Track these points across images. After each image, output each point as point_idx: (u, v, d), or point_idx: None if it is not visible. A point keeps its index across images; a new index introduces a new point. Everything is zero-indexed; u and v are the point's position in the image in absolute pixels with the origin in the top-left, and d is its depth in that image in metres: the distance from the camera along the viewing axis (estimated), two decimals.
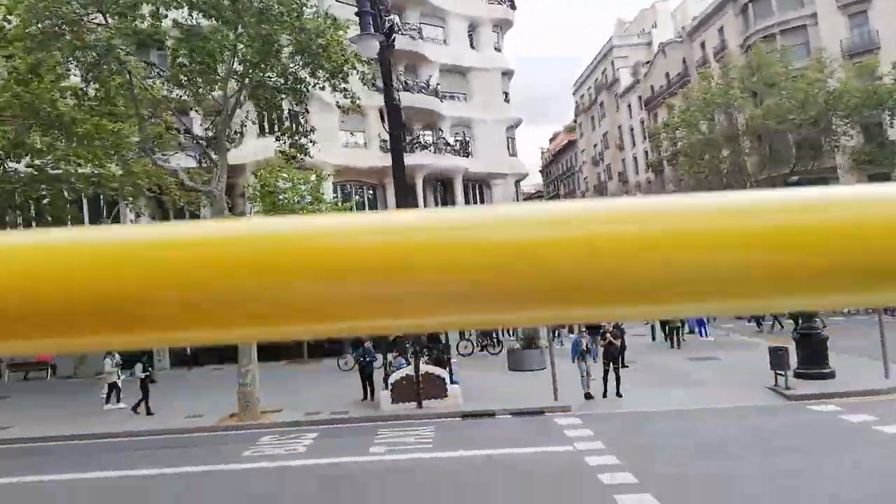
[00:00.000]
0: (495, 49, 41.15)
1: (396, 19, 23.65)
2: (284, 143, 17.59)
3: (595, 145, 76.00)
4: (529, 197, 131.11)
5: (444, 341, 15.62)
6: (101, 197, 23.62)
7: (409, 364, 14.09)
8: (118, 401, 16.49)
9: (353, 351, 15.11)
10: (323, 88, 16.66)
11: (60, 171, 19.55)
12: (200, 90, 15.62)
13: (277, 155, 18.61)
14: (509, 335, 25.17)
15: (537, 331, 22.67)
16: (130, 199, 22.79)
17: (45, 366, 22.06)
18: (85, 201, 24.53)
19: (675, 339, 21.46)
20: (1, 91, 15.65)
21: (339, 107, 18.86)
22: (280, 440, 12.45)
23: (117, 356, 17.00)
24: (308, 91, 16.31)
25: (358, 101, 17.77)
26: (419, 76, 37.01)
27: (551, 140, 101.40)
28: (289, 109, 19.16)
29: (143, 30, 14.14)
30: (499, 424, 12.97)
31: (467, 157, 37.43)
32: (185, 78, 15.32)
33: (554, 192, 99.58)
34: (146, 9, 13.97)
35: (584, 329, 15.31)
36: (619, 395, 14.42)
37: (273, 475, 10.31)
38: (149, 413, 15.28)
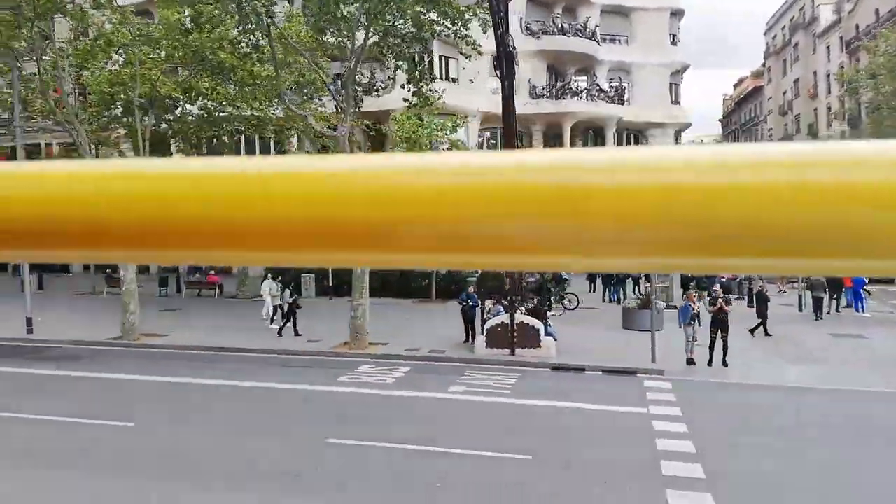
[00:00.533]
0: None
1: None
2: (411, 90, 18.04)
3: (784, 93, 68.31)
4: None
5: (547, 292, 15.58)
6: (264, 138, 26.05)
7: (506, 312, 14.37)
8: (273, 321, 18.37)
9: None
10: (448, 36, 16.79)
11: (226, 114, 21.82)
12: (332, 38, 16.51)
13: (405, 102, 19.09)
14: (635, 293, 24.34)
15: (665, 290, 21.73)
16: (287, 139, 24.92)
17: (213, 286, 25.25)
18: (249, 141, 27.23)
19: (821, 310, 19.45)
20: (171, 41, 17.78)
21: (463, 55, 18.76)
22: (376, 370, 13.48)
23: (274, 284, 19.09)
24: (432, 38, 16.50)
25: (479, 48, 17.64)
26: (577, 18, 35.60)
27: (735, 86, 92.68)
28: (421, 57, 19.37)
29: None
30: (583, 379, 12.92)
31: (622, 104, 35.69)
32: (321, 26, 16.28)
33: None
34: None
35: (693, 294, 14.43)
36: (724, 364, 13.60)
37: (356, 399, 11.33)
38: (296, 334, 16.88)
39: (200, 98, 20.88)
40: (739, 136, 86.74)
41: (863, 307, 20.34)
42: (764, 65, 76.26)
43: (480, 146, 32.99)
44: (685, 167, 0.33)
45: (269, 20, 15.53)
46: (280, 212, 0.37)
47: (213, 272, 25.58)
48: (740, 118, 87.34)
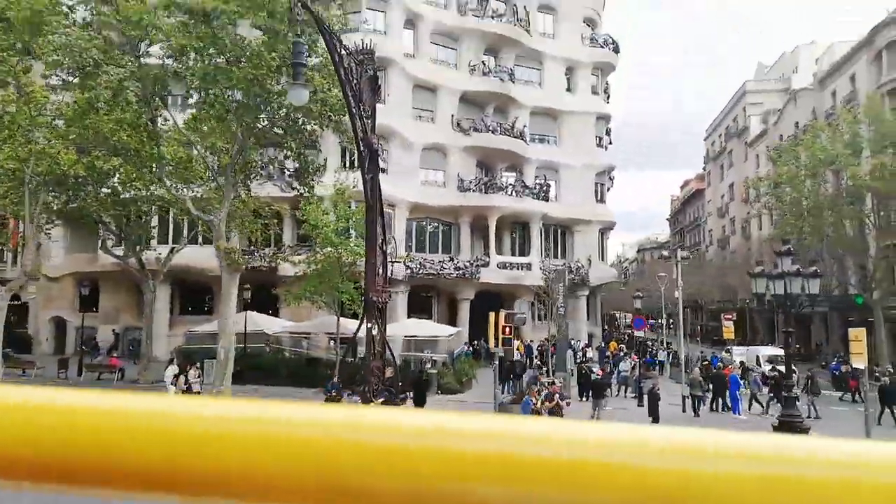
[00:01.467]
0: (592, 92, 40.56)
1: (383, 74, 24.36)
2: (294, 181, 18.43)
3: (722, 196, 71.56)
4: (642, 249, 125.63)
5: (425, 384, 15.54)
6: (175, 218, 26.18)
7: (361, 401, 14.30)
8: None
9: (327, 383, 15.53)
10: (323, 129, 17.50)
11: (130, 195, 22.00)
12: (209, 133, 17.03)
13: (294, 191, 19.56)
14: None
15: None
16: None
17: (114, 369, 24.60)
18: (163, 220, 27.34)
19: (698, 409, 19.81)
20: (71, 122, 18.15)
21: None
22: None
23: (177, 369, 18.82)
24: (304, 135, 17.15)
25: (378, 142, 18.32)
26: (507, 117, 37.34)
27: (682, 188, 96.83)
28: (300, 152, 19.93)
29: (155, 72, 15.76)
30: None
31: (546, 200, 36.96)
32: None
33: (679, 243, 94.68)
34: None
35: (535, 389, 14.62)
36: None
37: None
38: None
39: (107, 178, 21.12)
40: (685, 235, 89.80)
41: (738, 409, 20.74)
42: (704, 168, 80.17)
43: (408, 233, 33.60)
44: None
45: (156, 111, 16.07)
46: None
47: (115, 355, 25.06)
48: (686, 218, 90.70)
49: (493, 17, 36.24)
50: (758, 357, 33.80)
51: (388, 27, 32.27)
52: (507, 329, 14.28)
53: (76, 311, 30.78)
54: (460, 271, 33.49)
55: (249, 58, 14.76)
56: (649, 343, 46.10)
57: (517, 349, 27.35)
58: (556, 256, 38.87)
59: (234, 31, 14.19)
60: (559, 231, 39.34)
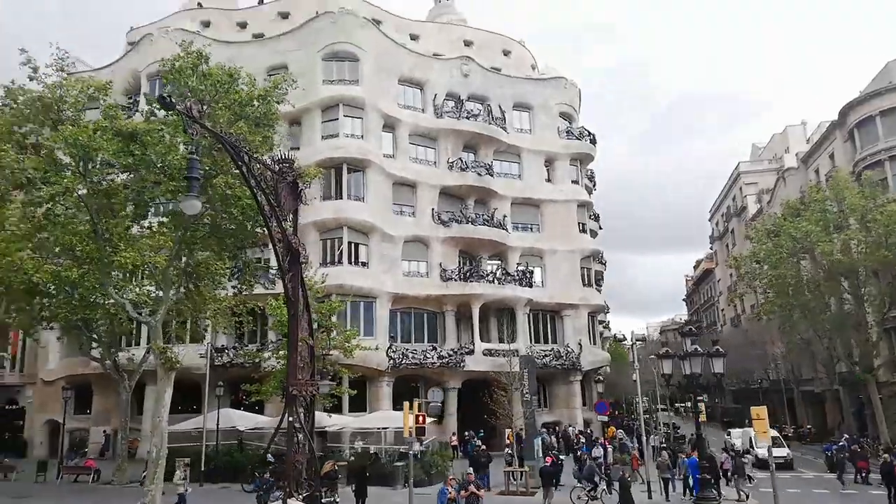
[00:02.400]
0: (572, 181, 41.91)
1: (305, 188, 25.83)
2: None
3: (731, 274, 71.21)
4: (664, 330, 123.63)
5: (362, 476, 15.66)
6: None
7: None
8: None
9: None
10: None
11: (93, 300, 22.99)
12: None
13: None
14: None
15: None
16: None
17: (90, 471, 25.05)
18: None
19: (667, 492, 19.37)
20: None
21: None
22: None
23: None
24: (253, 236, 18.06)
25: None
26: (488, 208, 38.68)
27: (694, 268, 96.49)
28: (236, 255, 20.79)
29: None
30: None
31: (530, 286, 37.57)
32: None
33: (697, 323, 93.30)
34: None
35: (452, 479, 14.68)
36: None
37: None
38: None
39: (73, 285, 22.14)
40: (701, 314, 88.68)
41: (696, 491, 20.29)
42: (711, 248, 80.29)
43: (392, 324, 34.22)
44: None
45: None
46: None
47: (91, 457, 25.54)
48: (700, 298, 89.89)
49: (468, 118, 38.32)
50: (751, 439, 32.85)
51: (366, 132, 34.36)
52: (422, 418, 14.57)
53: (70, 414, 31.62)
54: (444, 360, 33.80)
55: (178, 172, 16.10)
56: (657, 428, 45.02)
57: (507, 438, 27.15)
58: (545, 342, 39.03)
59: (164, 149, 15.53)
60: (547, 316, 39.66)
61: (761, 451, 31.72)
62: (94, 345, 25.63)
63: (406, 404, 16.01)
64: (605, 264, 51.48)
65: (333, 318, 26.96)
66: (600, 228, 51.22)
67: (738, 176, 66.74)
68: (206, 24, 40.60)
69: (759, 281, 35.24)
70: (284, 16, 39.82)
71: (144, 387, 31.21)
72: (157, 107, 14.87)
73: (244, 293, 19.78)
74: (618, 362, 76.33)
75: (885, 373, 36.05)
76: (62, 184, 16.37)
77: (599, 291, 53.60)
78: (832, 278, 31.58)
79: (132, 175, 16.38)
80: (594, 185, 49.16)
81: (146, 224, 17.15)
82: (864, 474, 25.79)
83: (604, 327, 55.04)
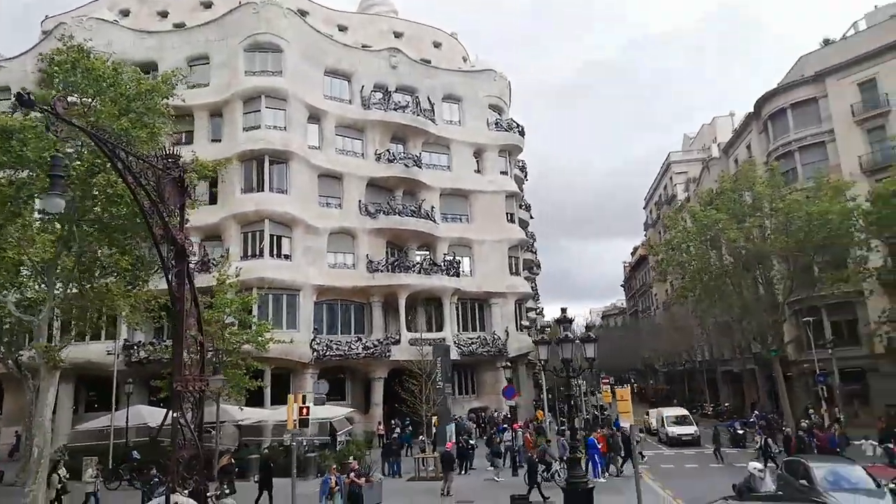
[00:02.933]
0: (501, 172, 42.59)
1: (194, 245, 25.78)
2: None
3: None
4: (606, 315, 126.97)
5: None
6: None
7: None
8: None
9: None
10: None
11: None
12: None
13: None
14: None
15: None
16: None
17: None
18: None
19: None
20: None
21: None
22: None
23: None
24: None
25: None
26: (417, 199, 39.02)
27: (632, 254, 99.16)
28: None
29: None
30: None
31: (457, 276, 38.15)
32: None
33: (633, 308, 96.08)
34: None
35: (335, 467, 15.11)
36: None
37: None
38: None
39: None
40: (637, 299, 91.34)
41: (599, 471, 21.24)
42: (646, 235, 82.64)
43: (318, 316, 34.31)
44: None
45: None
46: None
47: None
48: (636, 283, 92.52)
49: (396, 109, 38.49)
50: (662, 418, 34.38)
51: (289, 123, 34.17)
52: (305, 410, 14.90)
53: None
54: (369, 351, 34.14)
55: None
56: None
57: (434, 424, 27.66)
58: (473, 329, 39.76)
59: (45, 145, 15.21)
60: (476, 305, 40.36)
61: (671, 430, 33.38)
62: None
63: (290, 396, 16.28)
64: (535, 252, 52.56)
65: (252, 313, 26.97)
66: (531, 217, 52.23)
67: (669, 165, 68.79)
68: (126, 13, 39.59)
69: (670, 267, 36.71)
70: (207, 5, 39.15)
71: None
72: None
73: (137, 289, 19.46)
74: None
75: (794, 351, 38.04)
76: None
77: (532, 280, 54.82)
78: (740, 264, 33.11)
79: (6, 172, 16.03)
80: (525, 176, 50.08)
81: (28, 221, 16.77)
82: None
83: (536, 314, 56.22)
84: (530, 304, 48.26)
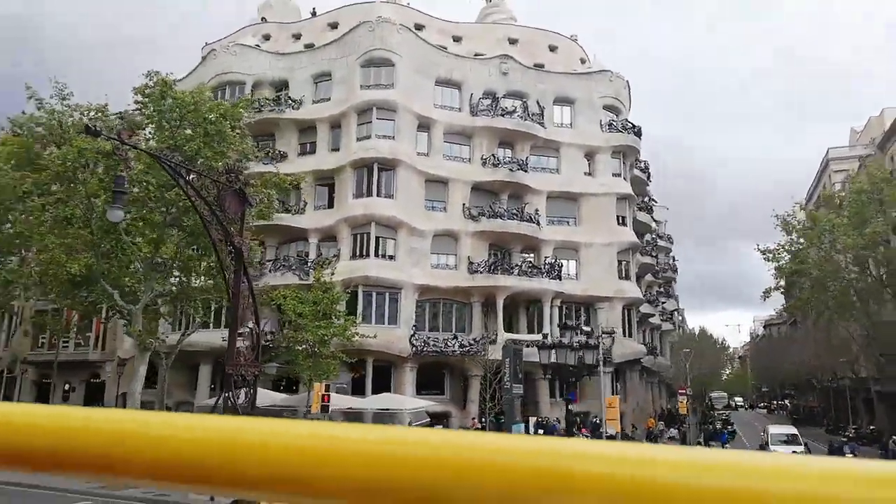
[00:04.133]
0: (613, 174, 41.96)
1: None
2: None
3: None
4: (769, 325, 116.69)
5: None
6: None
7: None
8: None
9: None
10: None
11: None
12: None
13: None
14: None
15: None
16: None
17: None
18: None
19: None
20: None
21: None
22: None
23: None
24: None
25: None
26: (522, 202, 39.81)
27: None
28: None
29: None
30: None
31: (559, 279, 38.34)
32: None
33: (792, 318, 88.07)
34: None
35: None
36: None
37: None
38: None
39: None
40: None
41: None
42: None
43: (419, 314, 36.46)
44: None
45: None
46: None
47: None
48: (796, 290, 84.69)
49: (503, 115, 39.54)
50: (768, 435, 32.09)
51: (398, 132, 36.64)
52: (326, 397, 16.57)
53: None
54: (465, 349, 35.60)
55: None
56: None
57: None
58: (578, 334, 39.63)
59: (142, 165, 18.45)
60: (581, 308, 40.22)
61: (773, 448, 31.15)
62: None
63: (316, 385, 18.22)
64: (656, 257, 50.75)
65: (341, 308, 29.60)
66: (655, 221, 50.53)
67: (828, 163, 62.58)
68: (267, 38, 44.52)
69: (787, 275, 33.90)
70: (333, 26, 42.83)
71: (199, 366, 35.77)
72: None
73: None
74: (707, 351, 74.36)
75: None
76: (72, 192, 19.72)
77: (657, 284, 53.03)
78: (868, 275, 29.99)
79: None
80: (648, 177, 48.66)
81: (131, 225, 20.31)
82: None
83: (662, 320, 54.19)
84: (646, 308, 46.79)
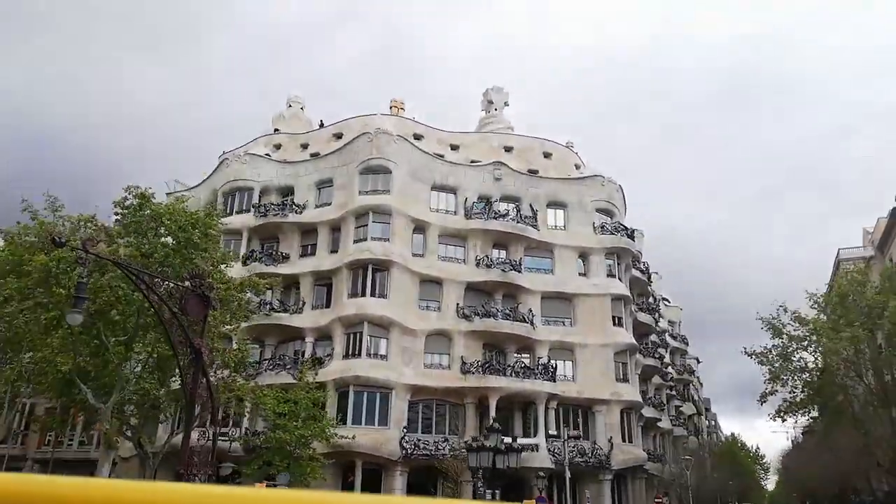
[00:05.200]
0: (608, 275, 42.37)
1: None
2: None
3: None
4: (807, 431, 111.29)
5: None
6: None
7: None
8: None
9: None
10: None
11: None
12: None
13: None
14: None
15: None
16: None
17: None
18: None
19: None
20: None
21: None
22: None
23: None
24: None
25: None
26: (517, 303, 40.26)
27: None
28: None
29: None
30: None
31: (553, 381, 38.01)
32: None
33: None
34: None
35: None
36: None
37: None
38: None
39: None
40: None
41: None
42: None
43: (411, 415, 36.18)
44: None
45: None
46: None
47: None
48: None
49: (496, 218, 40.85)
50: None
51: (392, 235, 38.01)
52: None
53: None
54: (455, 452, 34.97)
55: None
56: None
57: None
58: (576, 438, 38.74)
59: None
60: (578, 411, 39.53)
61: None
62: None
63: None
64: (661, 358, 49.98)
65: (327, 408, 29.76)
66: (658, 319, 50.24)
67: (839, 263, 62.05)
68: (278, 147, 47.39)
69: (778, 375, 33.07)
70: (338, 136, 45.54)
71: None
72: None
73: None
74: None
75: None
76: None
77: (667, 386, 51.95)
78: (862, 383, 29.25)
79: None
80: (649, 278, 48.94)
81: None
82: None
83: (674, 424, 52.52)
84: (651, 413, 45.60)
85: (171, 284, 17.90)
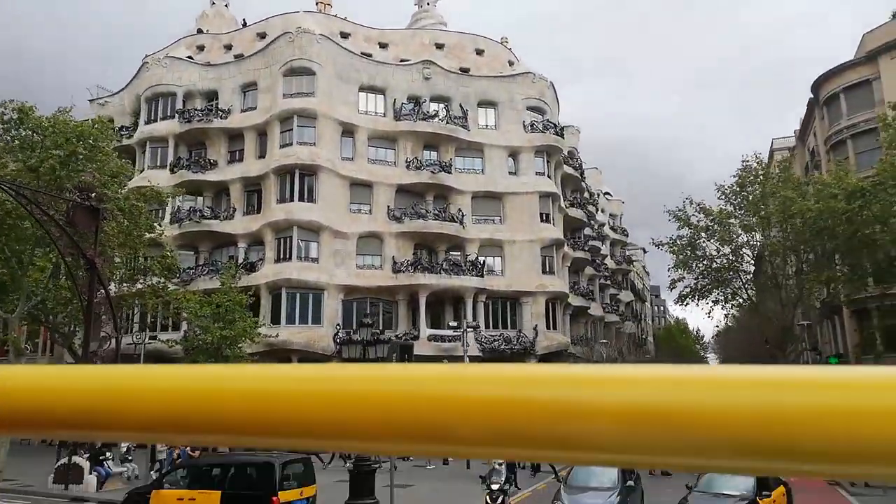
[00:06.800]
0: (537, 173, 43.23)
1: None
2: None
3: None
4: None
5: None
6: None
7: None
8: None
9: None
10: None
11: None
12: None
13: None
14: None
15: None
16: None
17: None
18: None
19: None
20: None
21: None
22: None
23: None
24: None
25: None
26: (448, 203, 41.16)
27: None
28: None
29: None
30: None
31: (481, 276, 39.65)
32: None
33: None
34: None
35: None
36: None
37: None
38: None
39: None
40: None
41: None
42: None
43: (345, 313, 37.79)
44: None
45: None
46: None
47: None
48: None
49: (425, 119, 40.85)
50: None
51: (318, 139, 37.96)
52: None
53: None
54: (386, 344, 36.88)
55: None
56: None
57: None
58: (504, 327, 41.05)
59: None
60: (507, 304, 41.56)
61: None
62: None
63: None
64: (594, 251, 52.16)
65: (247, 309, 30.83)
66: (596, 213, 51.87)
67: (773, 153, 63.87)
68: (201, 48, 45.76)
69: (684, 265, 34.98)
70: (262, 36, 44.03)
71: None
72: None
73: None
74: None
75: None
76: None
77: (600, 276, 54.40)
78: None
79: None
80: (581, 174, 50.08)
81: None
82: None
83: (606, 311, 55.55)
84: (580, 301, 48.10)
85: (58, 198, 18.23)
